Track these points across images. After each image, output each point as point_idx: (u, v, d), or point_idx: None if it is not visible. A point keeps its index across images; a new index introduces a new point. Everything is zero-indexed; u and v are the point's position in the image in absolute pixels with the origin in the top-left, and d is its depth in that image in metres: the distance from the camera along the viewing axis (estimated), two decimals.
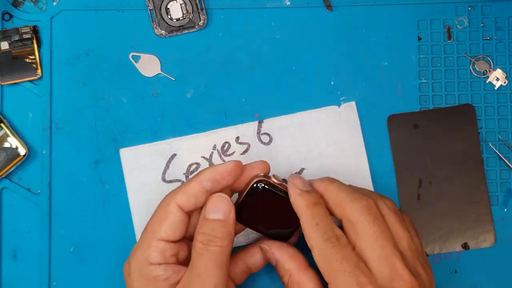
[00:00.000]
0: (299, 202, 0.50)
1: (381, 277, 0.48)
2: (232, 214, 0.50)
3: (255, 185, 0.51)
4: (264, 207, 0.52)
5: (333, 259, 0.48)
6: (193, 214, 0.52)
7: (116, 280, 0.59)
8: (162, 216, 0.50)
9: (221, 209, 0.49)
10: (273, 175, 0.52)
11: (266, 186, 0.51)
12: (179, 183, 0.59)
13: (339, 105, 0.60)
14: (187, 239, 0.52)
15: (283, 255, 0.53)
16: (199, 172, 0.51)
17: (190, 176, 0.59)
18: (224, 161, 0.59)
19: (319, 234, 0.49)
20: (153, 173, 0.60)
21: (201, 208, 0.51)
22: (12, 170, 0.59)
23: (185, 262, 0.51)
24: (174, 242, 0.50)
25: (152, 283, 0.49)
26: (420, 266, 0.50)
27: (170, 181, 0.60)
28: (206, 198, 0.50)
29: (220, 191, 0.51)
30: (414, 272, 0.49)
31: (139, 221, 0.59)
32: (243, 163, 0.52)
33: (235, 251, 0.54)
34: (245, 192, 0.52)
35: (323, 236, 0.49)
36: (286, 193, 0.52)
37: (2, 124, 0.59)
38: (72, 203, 0.59)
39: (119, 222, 0.59)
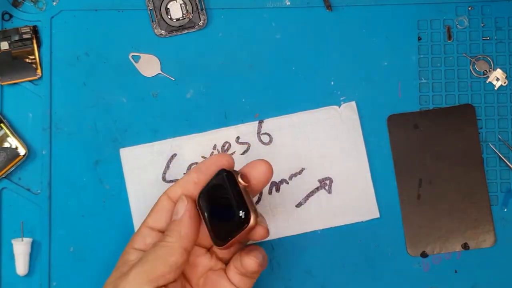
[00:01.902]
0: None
1: None
2: (186, 216, 0.50)
3: (219, 175, 0.49)
4: (218, 199, 0.49)
5: None
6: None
7: None
8: (153, 206, 0.52)
9: (177, 211, 0.51)
10: (241, 175, 0.49)
11: (225, 179, 0.49)
12: None
13: (339, 105, 0.60)
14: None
15: None
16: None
17: None
18: None
19: None
20: (153, 173, 0.60)
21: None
22: (12, 170, 0.59)
23: None
24: (158, 231, 0.51)
25: (122, 264, 0.50)
26: None
27: (170, 181, 0.59)
28: (194, 189, 0.51)
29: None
30: None
31: (139, 221, 0.59)
32: (245, 162, 0.52)
33: None
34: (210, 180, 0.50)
35: None
36: (239, 197, 0.48)
37: (2, 124, 0.59)
38: (72, 203, 0.59)
39: (119, 222, 0.59)
